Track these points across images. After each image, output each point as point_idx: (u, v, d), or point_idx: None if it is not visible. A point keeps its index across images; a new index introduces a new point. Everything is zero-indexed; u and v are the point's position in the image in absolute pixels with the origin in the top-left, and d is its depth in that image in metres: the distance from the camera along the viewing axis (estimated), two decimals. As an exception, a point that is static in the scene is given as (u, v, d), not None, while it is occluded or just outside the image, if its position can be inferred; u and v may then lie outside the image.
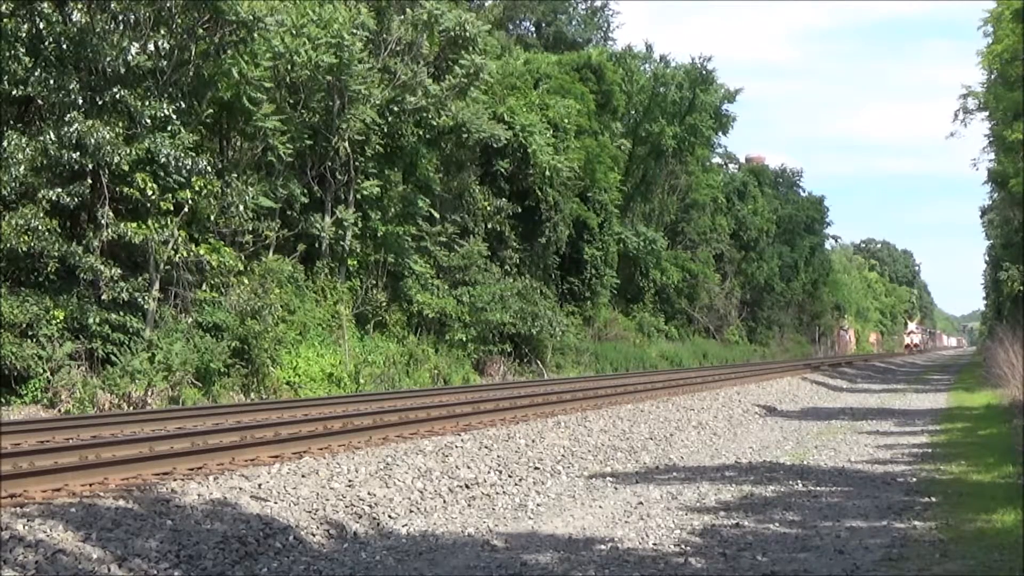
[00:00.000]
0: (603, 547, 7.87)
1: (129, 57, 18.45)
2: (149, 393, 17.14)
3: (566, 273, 38.73)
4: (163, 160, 18.73)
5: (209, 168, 19.86)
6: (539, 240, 35.16)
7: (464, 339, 28.16)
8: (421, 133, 27.90)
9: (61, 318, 17.16)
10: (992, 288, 64.71)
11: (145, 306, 18.54)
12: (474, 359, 28.99)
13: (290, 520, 8.27)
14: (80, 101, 18.00)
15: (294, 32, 23.58)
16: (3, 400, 16.09)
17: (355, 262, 26.45)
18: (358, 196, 26.33)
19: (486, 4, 46.43)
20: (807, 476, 11.74)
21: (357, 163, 26.03)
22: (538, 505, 10.02)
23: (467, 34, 28.53)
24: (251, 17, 20.11)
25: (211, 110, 21.32)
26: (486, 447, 12.13)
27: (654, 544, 8.00)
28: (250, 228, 22.05)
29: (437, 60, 29.16)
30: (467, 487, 10.42)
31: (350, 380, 22.63)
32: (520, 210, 33.72)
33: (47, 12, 17.88)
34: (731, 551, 7.68)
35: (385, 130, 26.52)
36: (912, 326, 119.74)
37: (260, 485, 8.89)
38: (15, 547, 6.56)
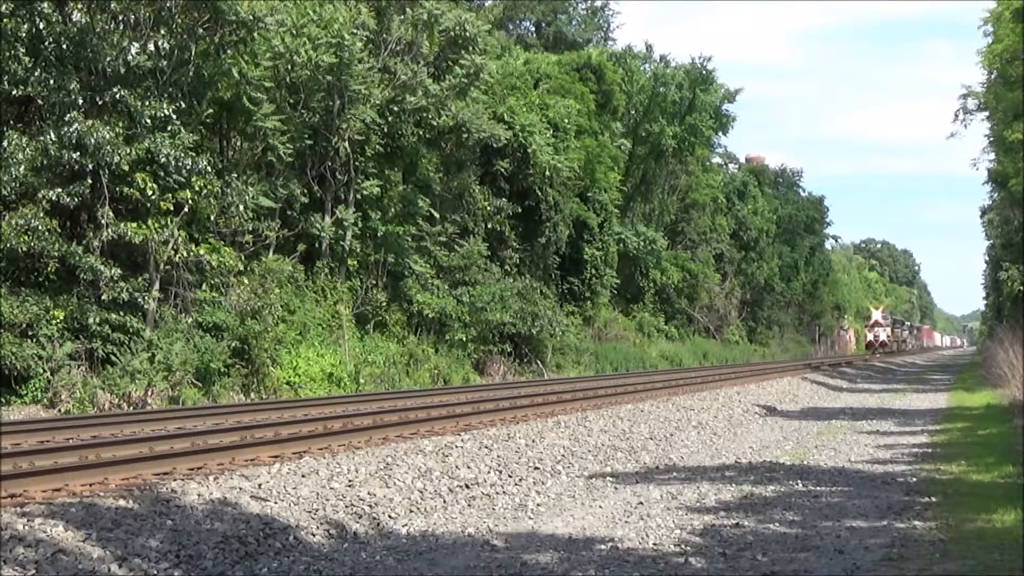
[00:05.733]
0: (603, 547, 7.87)
1: (129, 57, 18.47)
2: (149, 393, 17.14)
3: (566, 273, 38.71)
4: (163, 160, 18.74)
5: (209, 168, 19.87)
6: (539, 240, 35.16)
7: (464, 339, 28.15)
8: (421, 133, 27.91)
9: (61, 318, 17.16)
10: (992, 288, 64.68)
11: (145, 306, 18.54)
12: (474, 359, 28.98)
13: (290, 520, 8.27)
14: (80, 101, 18.00)
15: (294, 32, 23.59)
16: (3, 400, 16.09)
17: (355, 262, 26.44)
18: (358, 196, 26.33)
19: (486, 4, 46.42)
20: (807, 476, 11.74)
21: (357, 163, 26.03)
22: (538, 505, 10.02)
23: (467, 34, 28.54)
24: (251, 17, 20.14)
25: (211, 110, 21.33)
26: (486, 447, 12.12)
27: (654, 544, 7.99)
28: (250, 228, 22.07)
29: (437, 60, 29.17)
30: (467, 487, 10.42)
31: (350, 380, 22.62)
32: (520, 210, 33.73)
33: (47, 12, 17.89)
34: (731, 551, 7.68)
35: (385, 130, 26.52)
36: (877, 315, 79.12)
37: (260, 485, 8.89)
38: (15, 547, 6.56)
